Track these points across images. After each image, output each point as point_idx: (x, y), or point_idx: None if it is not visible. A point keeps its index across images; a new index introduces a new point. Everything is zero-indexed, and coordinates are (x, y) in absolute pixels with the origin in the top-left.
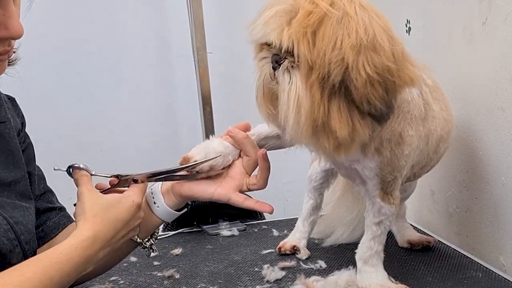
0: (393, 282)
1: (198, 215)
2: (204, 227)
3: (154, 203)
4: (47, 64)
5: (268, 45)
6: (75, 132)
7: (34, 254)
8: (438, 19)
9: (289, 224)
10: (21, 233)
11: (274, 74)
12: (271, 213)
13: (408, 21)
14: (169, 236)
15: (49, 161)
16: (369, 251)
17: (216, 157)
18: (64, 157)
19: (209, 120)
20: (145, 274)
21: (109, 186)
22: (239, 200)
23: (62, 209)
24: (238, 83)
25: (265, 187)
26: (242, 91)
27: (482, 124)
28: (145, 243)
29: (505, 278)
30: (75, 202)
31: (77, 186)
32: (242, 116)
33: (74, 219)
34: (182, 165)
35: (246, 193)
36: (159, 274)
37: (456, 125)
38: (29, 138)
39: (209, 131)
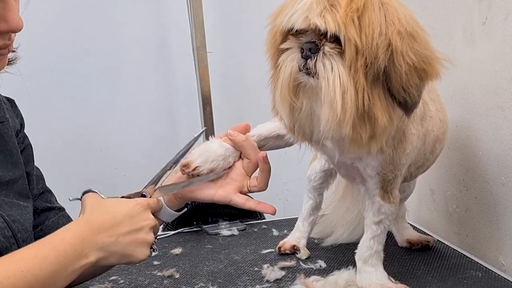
0: (392, 282)
1: (198, 215)
2: (204, 226)
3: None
4: (47, 64)
5: (297, 33)
6: (75, 132)
7: None
8: (438, 19)
9: (289, 224)
10: (18, 231)
11: (304, 64)
12: (273, 214)
13: None
14: (169, 236)
15: (49, 161)
16: (369, 250)
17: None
18: (64, 157)
19: (209, 120)
20: (145, 274)
21: None
22: (240, 201)
23: (61, 209)
24: (238, 83)
25: (265, 189)
26: (242, 91)
27: (482, 123)
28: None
29: (505, 278)
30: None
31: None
32: (242, 116)
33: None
34: (183, 170)
35: (251, 197)
36: (159, 273)
37: (456, 124)
38: (28, 139)
39: (209, 131)
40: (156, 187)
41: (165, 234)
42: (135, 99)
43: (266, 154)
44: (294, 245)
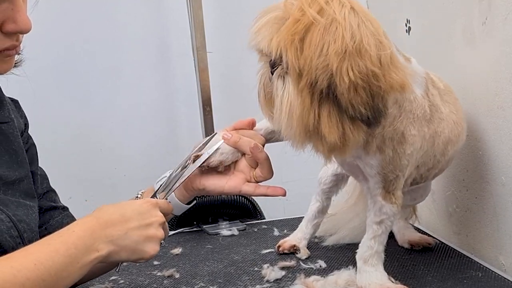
0: (392, 282)
1: (198, 215)
2: (204, 226)
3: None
4: (47, 64)
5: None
6: (75, 132)
7: None
8: (438, 19)
9: (289, 224)
10: (24, 231)
11: (271, 79)
12: (284, 195)
13: (408, 21)
14: (169, 236)
15: (49, 161)
16: (369, 250)
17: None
18: (64, 157)
19: (209, 120)
20: (145, 274)
21: None
22: (250, 189)
23: (65, 208)
24: (238, 83)
25: (271, 176)
26: (242, 91)
27: (482, 123)
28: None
29: (505, 278)
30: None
31: None
32: (242, 116)
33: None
34: (194, 161)
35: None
36: (159, 273)
37: None
38: (31, 139)
39: (209, 131)
40: (167, 194)
41: None
42: (135, 99)
43: (255, 144)
44: (294, 245)
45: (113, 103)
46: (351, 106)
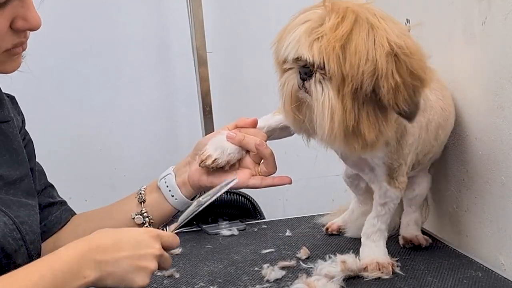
0: (387, 258)
1: (198, 215)
2: (204, 226)
3: (172, 195)
4: (47, 64)
5: (299, 58)
6: (75, 132)
7: (39, 254)
8: (438, 19)
9: (289, 224)
10: (26, 233)
11: (303, 84)
12: (290, 183)
13: (408, 21)
14: None
15: (49, 161)
16: (372, 227)
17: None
18: (64, 157)
19: (209, 120)
20: None
21: None
22: (257, 182)
23: (63, 203)
24: (238, 83)
25: (275, 171)
26: (242, 91)
27: (482, 123)
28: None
29: (505, 278)
30: None
31: None
32: (242, 116)
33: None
34: (200, 164)
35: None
36: (159, 273)
37: (456, 124)
38: (28, 135)
39: (209, 131)
40: (178, 227)
41: None
42: (135, 99)
43: (261, 141)
44: (340, 226)
45: (113, 103)
46: (395, 105)
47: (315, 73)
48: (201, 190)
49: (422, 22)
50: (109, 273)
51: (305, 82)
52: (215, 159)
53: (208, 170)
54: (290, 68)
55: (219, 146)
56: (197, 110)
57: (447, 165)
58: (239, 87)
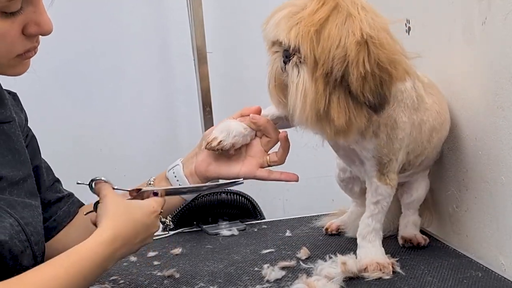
0: (386, 258)
1: (198, 215)
2: (204, 226)
3: (180, 185)
4: (48, 64)
5: (280, 42)
6: (76, 132)
7: (43, 255)
8: (438, 19)
9: (289, 224)
10: (31, 234)
11: (285, 68)
12: (297, 181)
13: (408, 21)
14: (169, 236)
15: (49, 161)
16: (367, 227)
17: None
18: (65, 157)
19: (209, 120)
20: (145, 274)
21: (130, 197)
22: (264, 175)
23: (70, 195)
24: (238, 83)
25: (283, 163)
26: (242, 91)
27: (482, 123)
28: (168, 222)
29: (505, 278)
30: (97, 201)
31: (98, 195)
32: None
33: (94, 219)
34: (206, 146)
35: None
36: (159, 273)
37: (456, 124)
38: (31, 131)
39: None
40: (170, 189)
41: (165, 234)
42: (135, 99)
43: (287, 134)
44: (339, 225)
45: (114, 103)
46: (361, 94)
47: (293, 56)
48: (208, 180)
49: (422, 22)
50: (124, 256)
51: (286, 65)
52: (221, 141)
53: (215, 158)
54: (276, 52)
55: (224, 129)
56: (197, 110)
57: (447, 165)
58: (239, 87)
